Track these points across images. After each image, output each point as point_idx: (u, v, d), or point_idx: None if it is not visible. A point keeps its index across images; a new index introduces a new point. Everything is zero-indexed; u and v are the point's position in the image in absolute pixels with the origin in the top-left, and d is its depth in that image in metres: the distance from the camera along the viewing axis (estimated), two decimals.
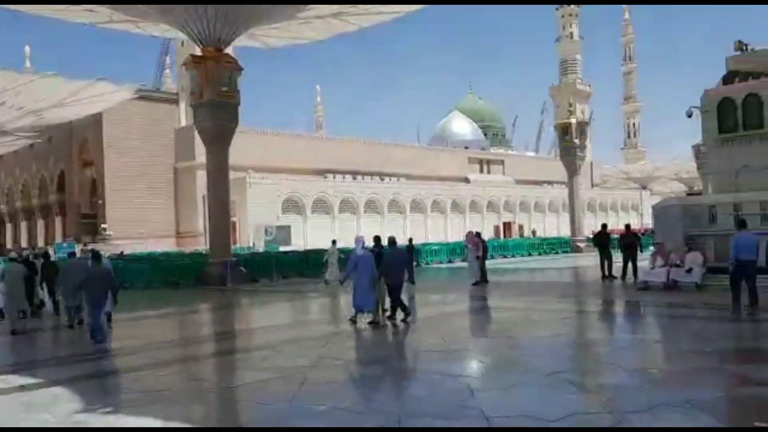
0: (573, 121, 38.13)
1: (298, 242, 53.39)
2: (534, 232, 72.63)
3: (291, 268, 25.71)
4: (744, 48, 17.42)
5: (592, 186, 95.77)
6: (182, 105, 60.56)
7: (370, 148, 69.28)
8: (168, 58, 76.96)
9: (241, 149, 59.72)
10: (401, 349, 10.20)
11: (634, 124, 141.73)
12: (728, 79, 16.50)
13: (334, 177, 62.55)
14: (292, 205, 56.67)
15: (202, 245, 53.88)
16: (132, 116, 55.63)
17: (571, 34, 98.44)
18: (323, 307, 17.24)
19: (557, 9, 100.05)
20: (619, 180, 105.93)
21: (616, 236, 21.48)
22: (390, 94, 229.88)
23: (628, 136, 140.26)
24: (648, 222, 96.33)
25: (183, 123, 59.76)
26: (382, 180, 66.63)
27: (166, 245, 52.34)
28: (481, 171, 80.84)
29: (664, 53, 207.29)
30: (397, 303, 11.48)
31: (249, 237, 52.21)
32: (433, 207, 67.34)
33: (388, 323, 11.48)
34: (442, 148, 79.06)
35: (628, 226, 19.19)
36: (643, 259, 17.93)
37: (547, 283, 21.23)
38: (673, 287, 14.43)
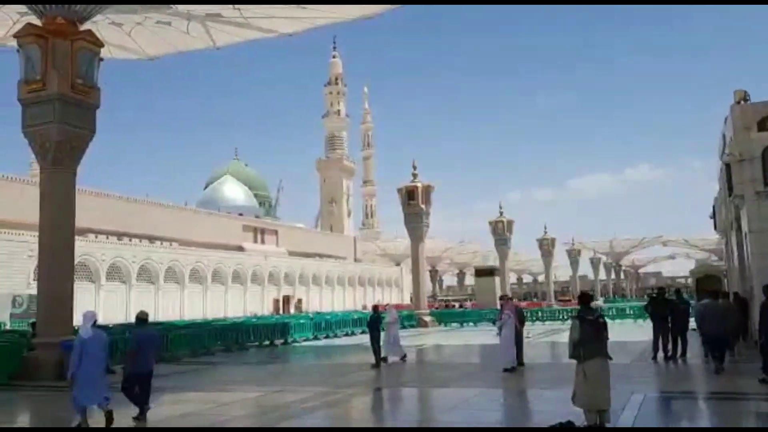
0: (419, 184, 35.82)
1: None
2: (299, 305, 68.91)
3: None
4: (746, 98, 16.51)
5: (355, 260, 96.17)
6: None
7: (138, 207, 59.32)
8: None
9: None
10: None
11: (371, 206, 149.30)
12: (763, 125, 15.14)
13: (96, 237, 51.47)
14: None
15: None
16: None
17: (339, 111, 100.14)
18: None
19: (325, 86, 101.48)
20: (375, 256, 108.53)
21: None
22: (129, 151, 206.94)
23: (366, 217, 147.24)
24: (407, 298, 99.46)
25: None
26: (152, 243, 57.04)
27: None
28: (255, 240, 75.20)
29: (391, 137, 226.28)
30: (146, 396, 9.58)
31: None
32: (213, 277, 59.56)
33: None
34: (216, 213, 71.87)
35: (662, 290, 16.43)
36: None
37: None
38: None
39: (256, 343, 23.08)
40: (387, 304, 22.38)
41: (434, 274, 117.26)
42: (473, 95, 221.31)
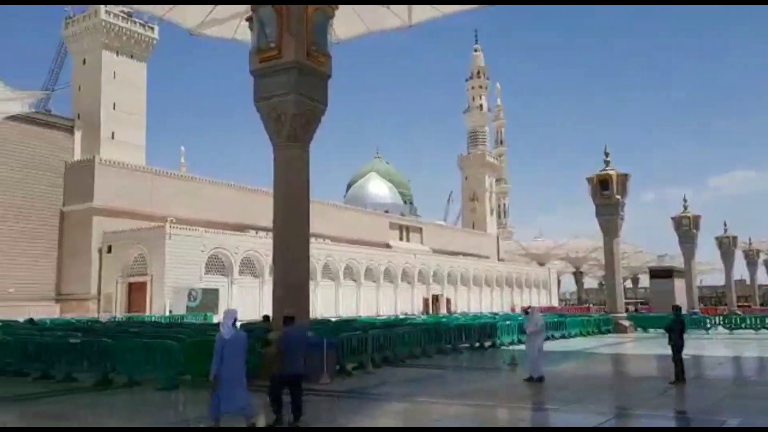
0: (613, 173, 32.20)
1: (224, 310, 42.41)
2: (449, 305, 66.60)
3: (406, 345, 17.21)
4: None
5: (498, 260, 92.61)
6: (77, 135, 47.57)
7: None
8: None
9: (159, 194, 47.95)
10: None
11: (504, 205, 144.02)
12: None
13: (257, 233, 51.89)
14: (216, 264, 45.24)
15: (92, 313, 40.68)
16: (7, 140, 42.14)
17: (481, 105, 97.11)
18: None
19: (467, 80, 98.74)
20: (516, 256, 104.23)
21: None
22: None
23: (499, 216, 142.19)
24: (555, 301, 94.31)
25: (77, 156, 46.68)
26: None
27: (45, 311, 38.55)
28: (401, 238, 74.05)
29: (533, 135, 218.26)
30: (298, 405, 8.78)
31: (165, 302, 40.11)
32: (366, 274, 58.73)
33: None
34: (365, 211, 71.43)
35: None
36: None
37: None
38: None
39: (467, 345, 20.89)
40: (530, 306, 18.89)
41: (579, 275, 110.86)
42: (602, 88, 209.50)
